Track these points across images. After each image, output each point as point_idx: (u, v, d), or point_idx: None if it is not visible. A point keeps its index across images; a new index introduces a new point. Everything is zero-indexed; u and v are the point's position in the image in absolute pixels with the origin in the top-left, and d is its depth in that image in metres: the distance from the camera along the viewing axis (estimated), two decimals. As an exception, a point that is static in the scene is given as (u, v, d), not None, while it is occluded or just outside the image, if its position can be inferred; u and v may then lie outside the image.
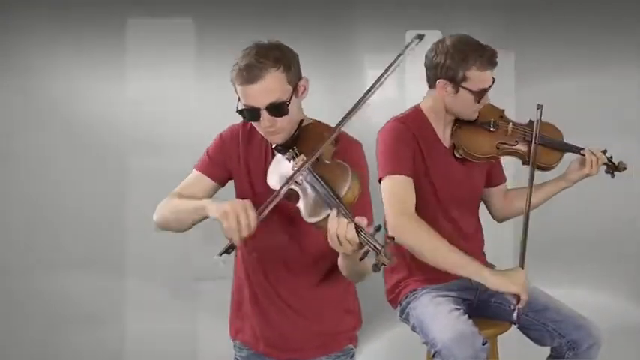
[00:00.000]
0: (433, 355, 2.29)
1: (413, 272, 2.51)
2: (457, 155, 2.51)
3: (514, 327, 2.54)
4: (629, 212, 3.84)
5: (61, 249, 3.51)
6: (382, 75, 1.88)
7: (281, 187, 1.80)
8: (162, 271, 3.54)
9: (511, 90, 3.66)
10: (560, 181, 2.63)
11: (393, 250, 1.65)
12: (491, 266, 2.64)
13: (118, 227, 3.59)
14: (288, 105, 1.87)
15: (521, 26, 3.78)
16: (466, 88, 2.40)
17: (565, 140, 2.62)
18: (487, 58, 2.39)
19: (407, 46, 1.88)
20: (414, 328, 2.45)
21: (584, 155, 2.57)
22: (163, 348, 3.49)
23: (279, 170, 1.92)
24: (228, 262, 1.76)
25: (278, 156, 1.95)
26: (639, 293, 3.83)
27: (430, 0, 3.65)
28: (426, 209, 2.39)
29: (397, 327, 2.79)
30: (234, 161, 2.05)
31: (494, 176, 2.68)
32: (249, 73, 1.84)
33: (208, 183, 2.07)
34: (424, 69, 2.48)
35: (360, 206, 1.80)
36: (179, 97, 3.61)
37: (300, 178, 1.81)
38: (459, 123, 2.52)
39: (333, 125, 1.91)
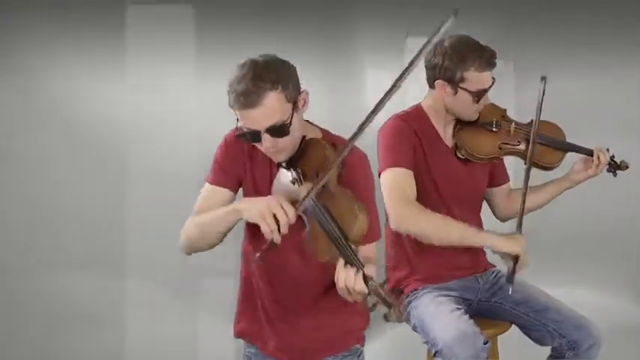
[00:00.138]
0: (434, 355, 2.29)
1: (414, 272, 2.51)
2: (459, 155, 2.51)
3: (514, 327, 2.55)
4: (629, 212, 3.84)
5: (61, 249, 3.51)
6: (411, 63, 1.76)
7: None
8: (163, 271, 3.54)
9: (511, 90, 3.67)
10: (564, 182, 2.62)
11: (402, 303, 1.63)
12: (491, 266, 2.65)
13: (118, 227, 3.59)
14: (289, 126, 1.84)
15: (521, 26, 3.78)
16: (465, 89, 2.41)
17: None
18: (486, 59, 2.39)
19: (442, 25, 1.82)
20: (414, 328, 2.45)
21: (590, 155, 2.56)
22: (163, 348, 3.49)
23: (286, 194, 1.88)
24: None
25: (282, 172, 1.92)
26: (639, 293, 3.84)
27: (430, 0, 3.65)
28: (427, 205, 2.39)
29: (398, 326, 2.78)
30: (241, 166, 2.02)
31: (498, 176, 2.68)
32: (247, 99, 1.78)
33: (225, 194, 2.01)
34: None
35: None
36: (179, 97, 3.61)
37: (306, 204, 1.79)
38: (461, 124, 2.52)
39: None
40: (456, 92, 2.42)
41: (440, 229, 2.32)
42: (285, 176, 1.91)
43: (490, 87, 2.44)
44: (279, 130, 1.82)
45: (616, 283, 3.84)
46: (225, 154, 2.02)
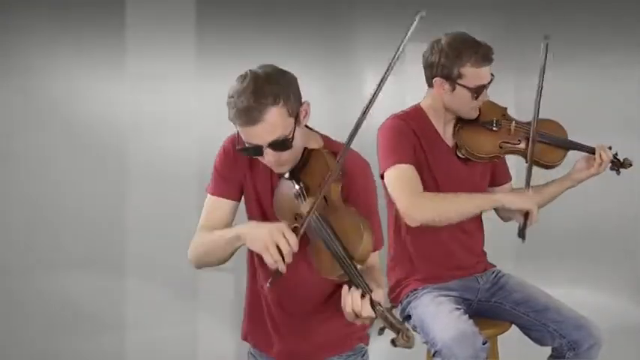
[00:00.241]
0: (433, 355, 2.28)
1: (414, 272, 2.51)
2: (460, 155, 2.51)
3: (514, 327, 2.55)
4: (630, 211, 3.84)
5: (61, 249, 3.51)
6: (388, 68, 1.80)
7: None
8: (163, 271, 3.54)
9: (511, 90, 3.67)
10: (566, 181, 2.61)
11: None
12: (491, 266, 2.65)
13: (118, 227, 3.59)
14: (292, 140, 1.81)
15: (521, 26, 3.78)
16: (462, 86, 2.41)
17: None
18: (482, 54, 2.39)
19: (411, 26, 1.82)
20: (414, 328, 2.45)
21: (591, 153, 2.56)
22: (163, 348, 3.49)
23: (288, 206, 1.88)
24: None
25: (284, 182, 1.91)
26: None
27: (430, 0, 3.65)
28: None
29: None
30: (241, 174, 2.00)
31: (499, 175, 2.67)
32: (248, 116, 1.76)
33: (229, 205, 2.00)
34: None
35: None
36: (179, 97, 3.61)
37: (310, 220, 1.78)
38: (461, 123, 2.52)
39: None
40: (454, 89, 2.42)
41: (456, 206, 2.36)
42: (287, 187, 1.90)
43: (489, 83, 2.44)
44: (281, 145, 1.81)
45: (616, 282, 3.84)
46: (224, 162, 2.00)
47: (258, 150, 1.82)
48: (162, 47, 3.59)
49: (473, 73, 2.39)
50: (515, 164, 2.77)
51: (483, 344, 2.23)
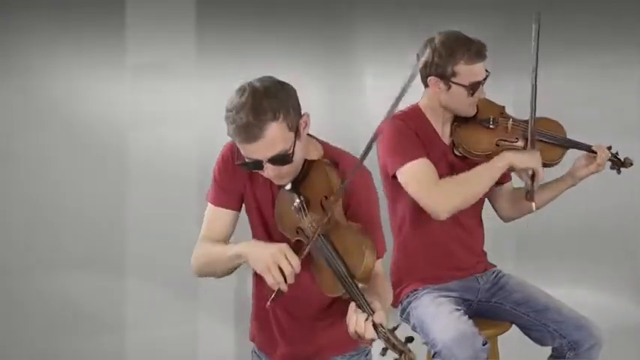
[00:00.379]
0: (433, 356, 2.29)
1: (414, 272, 2.51)
2: (457, 153, 2.51)
3: (514, 327, 2.55)
4: (631, 211, 3.84)
5: (61, 249, 3.51)
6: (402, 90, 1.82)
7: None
8: (163, 271, 3.54)
9: (510, 90, 3.66)
10: (565, 179, 2.59)
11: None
12: (491, 266, 2.64)
13: (118, 227, 3.59)
14: (292, 155, 1.79)
15: (521, 26, 3.77)
16: (457, 83, 2.40)
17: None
18: (474, 51, 2.39)
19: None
20: (414, 328, 2.45)
21: (592, 152, 2.55)
22: (163, 348, 3.49)
23: (289, 220, 1.87)
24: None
25: (284, 193, 1.90)
26: (640, 293, 3.84)
27: (430, 0, 3.65)
28: None
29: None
30: (241, 183, 1.98)
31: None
32: (248, 133, 1.73)
33: (229, 215, 1.99)
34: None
35: (372, 238, 1.77)
36: (179, 97, 3.61)
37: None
38: (459, 121, 2.52)
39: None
40: (449, 88, 2.42)
41: (474, 185, 2.37)
42: (288, 200, 1.88)
43: (484, 79, 2.43)
44: (282, 160, 1.79)
45: (617, 283, 3.84)
46: (223, 173, 1.98)
47: (258, 164, 1.80)
48: (162, 47, 3.59)
49: (467, 71, 2.39)
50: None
51: (483, 345, 2.23)
